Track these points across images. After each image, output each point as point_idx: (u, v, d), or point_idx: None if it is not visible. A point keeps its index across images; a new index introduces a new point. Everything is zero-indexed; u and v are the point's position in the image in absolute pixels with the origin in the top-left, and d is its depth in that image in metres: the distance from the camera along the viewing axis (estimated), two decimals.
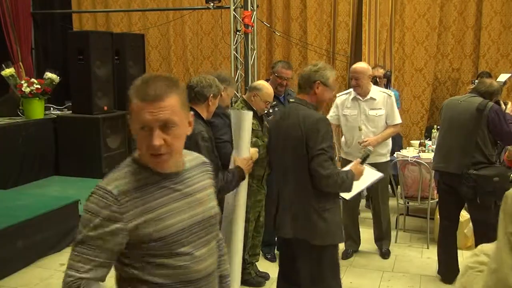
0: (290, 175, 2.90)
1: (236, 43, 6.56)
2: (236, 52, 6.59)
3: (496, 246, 1.21)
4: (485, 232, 3.71)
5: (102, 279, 1.50)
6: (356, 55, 6.96)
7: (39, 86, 6.11)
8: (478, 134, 3.73)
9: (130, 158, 1.56)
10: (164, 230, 1.49)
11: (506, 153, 4.66)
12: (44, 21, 8.08)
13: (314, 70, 2.91)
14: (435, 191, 4.91)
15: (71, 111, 6.59)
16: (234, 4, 6.49)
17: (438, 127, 4.75)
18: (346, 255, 4.55)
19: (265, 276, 4.11)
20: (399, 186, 5.03)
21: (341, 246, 4.24)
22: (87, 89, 6.18)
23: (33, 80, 6.16)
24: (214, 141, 3.13)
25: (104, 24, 8.27)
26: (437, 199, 4.32)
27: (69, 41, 6.47)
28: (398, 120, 4.43)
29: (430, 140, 5.62)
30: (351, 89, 4.43)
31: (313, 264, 2.91)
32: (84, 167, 6.19)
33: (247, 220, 3.82)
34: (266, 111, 4.01)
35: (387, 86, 5.67)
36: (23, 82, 6.10)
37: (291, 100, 4.56)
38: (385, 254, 4.60)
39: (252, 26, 6.43)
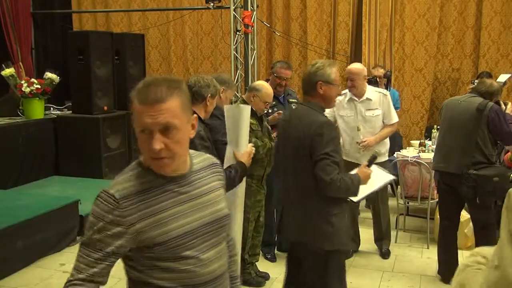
0: (294, 178, 2.88)
1: (236, 43, 6.57)
2: (236, 52, 6.59)
3: (499, 243, 1.21)
4: (485, 232, 3.72)
5: (103, 281, 1.49)
6: (356, 55, 6.96)
7: (39, 86, 6.11)
8: (478, 134, 3.73)
9: (136, 161, 1.55)
10: (167, 233, 1.47)
11: (508, 153, 4.67)
12: (44, 21, 8.08)
13: (313, 71, 2.85)
14: (435, 191, 4.91)
15: (71, 111, 6.59)
16: (234, 4, 6.49)
17: (438, 127, 4.75)
18: (346, 255, 4.56)
19: (265, 276, 4.11)
20: (399, 186, 5.03)
21: None
22: (87, 89, 6.18)
23: (33, 80, 6.17)
24: (215, 143, 3.13)
25: (104, 24, 8.27)
26: (437, 199, 4.33)
27: (69, 41, 6.48)
28: (395, 119, 4.44)
29: (430, 140, 5.62)
30: (346, 90, 4.42)
31: (318, 269, 2.86)
32: (84, 167, 6.19)
33: (247, 220, 3.83)
34: (265, 111, 4.01)
35: (387, 86, 5.67)
36: (23, 82, 6.11)
37: (291, 100, 4.60)
38: (385, 254, 4.60)
39: (252, 26, 6.44)
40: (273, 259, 4.48)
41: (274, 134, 4.12)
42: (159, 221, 1.47)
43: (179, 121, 1.45)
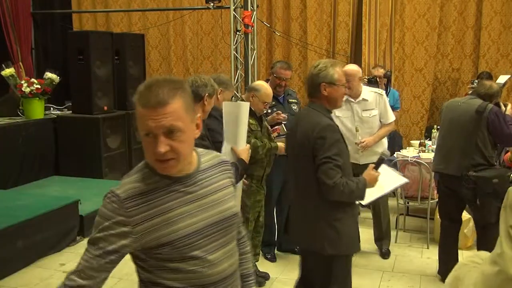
0: (297, 181, 2.86)
1: (236, 43, 6.57)
2: (236, 52, 6.60)
3: (498, 240, 1.22)
4: (486, 231, 3.72)
5: (99, 277, 1.48)
6: (356, 55, 6.96)
7: (39, 86, 6.11)
8: (478, 136, 3.73)
9: (143, 162, 1.55)
10: (173, 234, 1.47)
11: (508, 153, 4.67)
12: (44, 21, 8.08)
13: (315, 72, 2.79)
14: (435, 191, 4.91)
15: (71, 111, 6.59)
16: (234, 4, 6.49)
17: (438, 127, 4.75)
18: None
19: (265, 276, 4.11)
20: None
21: None
22: (87, 89, 6.18)
23: (33, 80, 6.17)
24: (214, 145, 3.13)
25: (104, 24, 8.27)
26: (437, 199, 4.33)
27: (69, 41, 6.48)
28: (391, 118, 4.43)
29: (430, 140, 5.62)
30: None
31: (322, 272, 2.83)
32: (84, 167, 6.19)
33: (246, 220, 3.83)
34: (265, 112, 4.01)
35: (387, 86, 5.67)
36: (23, 82, 6.11)
37: (291, 100, 4.61)
38: (385, 254, 4.60)
39: (252, 26, 6.44)
40: (273, 259, 4.48)
41: (274, 135, 4.12)
42: (165, 221, 1.47)
43: (182, 123, 1.44)
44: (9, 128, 5.91)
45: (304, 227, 2.83)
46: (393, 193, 5.29)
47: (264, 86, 3.89)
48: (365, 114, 4.33)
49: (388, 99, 5.54)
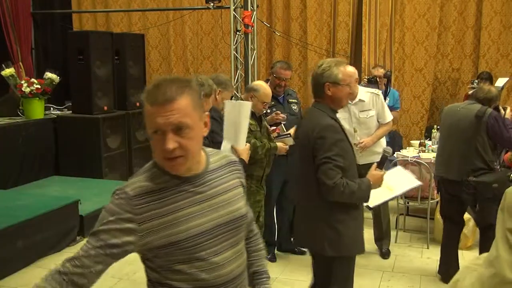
0: (300, 182, 2.85)
1: (236, 43, 6.57)
2: (236, 52, 6.60)
3: (494, 242, 1.22)
4: (488, 232, 3.73)
5: (93, 267, 1.44)
6: (356, 55, 6.97)
7: (39, 86, 6.11)
8: (478, 140, 3.75)
9: (151, 162, 1.55)
10: (180, 234, 1.47)
11: (508, 153, 4.67)
12: (44, 21, 8.08)
13: (319, 72, 2.75)
14: (435, 191, 4.92)
15: (71, 111, 6.59)
16: (234, 4, 6.50)
17: (438, 127, 4.76)
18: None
19: None
20: None
21: None
22: (87, 89, 6.18)
23: (33, 80, 6.17)
24: (215, 145, 3.14)
25: (104, 24, 8.27)
26: (437, 200, 4.33)
27: (69, 41, 6.48)
28: (389, 117, 4.42)
29: (430, 140, 5.62)
30: None
31: (323, 274, 2.82)
32: (84, 167, 6.19)
33: None
34: (264, 112, 4.01)
35: (387, 86, 5.67)
36: (23, 82, 6.11)
37: (291, 100, 4.60)
38: (385, 254, 4.61)
39: (252, 26, 6.44)
40: (273, 259, 4.48)
41: (273, 135, 4.12)
42: (172, 221, 1.47)
43: (191, 120, 1.44)
44: (9, 128, 5.91)
45: (306, 227, 2.83)
46: None
47: (263, 86, 3.89)
48: (362, 115, 4.32)
49: (388, 99, 5.57)
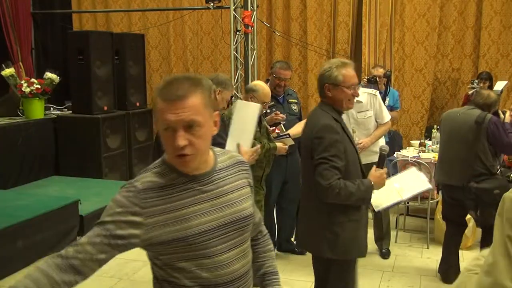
0: (302, 183, 2.85)
1: (236, 43, 6.57)
2: (236, 52, 6.60)
3: (491, 249, 1.20)
4: (490, 230, 3.75)
5: (94, 253, 1.44)
6: (356, 55, 6.96)
7: (39, 86, 6.11)
8: (478, 146, 3.76)
9: (160, 159, 1.58)
10: (185, 231, 1.48)
11: None
12: (44, 21, 8.08)
13: (321, 73, 2.75)
14: (435, 191, 4.92)
15: (71, 111, 6.59)
16: (234, 4, 6.49)
17: (438, 127, 4.76)
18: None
19: None
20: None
21: None
22: (87, 89, 6.18)
23: (33, 80, 6.17)
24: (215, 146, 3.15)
25: (104, 24, 8.27)
26: (437, 199, 4.34)
27: (69, 41, 6.48)
28: (387, 117, 4.41)
29: (430, 140, 5.62)
30: None
31: (322, 276, 2.80)
32: (84, 167, 6.19)
33: None
34: (264, 112, 4.00)
35: (387, 86, 5.67)
36: (23, 82, 6.11)
37: (291, 100, 4.60)
38: (385, 254, 4.61)
39: (252, 26, 6.44)
40: None
41: (273, 135, 4.12)
42: (178, 217, 1.48)
43: (202, 118, 1.46)
44: (9, 128, 5.91)
45: (306, 228, 2.82)
46: None
47: (262, 86, 3.88)
48: (360, 116, 4.31)
49: (388, 99, 5.57)
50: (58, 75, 6.33)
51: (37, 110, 6.29)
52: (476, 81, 5.91)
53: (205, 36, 7.83)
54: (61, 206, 4.78)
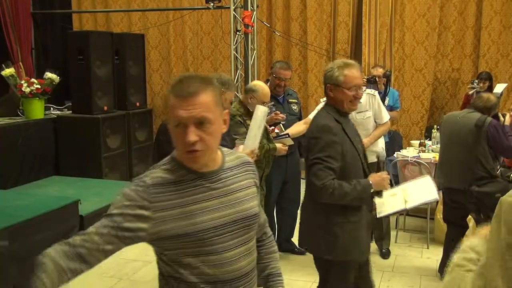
0: (306, 183, 2.86)
1: (236, 43, 6.57)
2: (236, 52, 6.60)
3: (487, 253, 1.19)
4: None
5: (100, 247, 1.47)
6: (356, 55, 6.97)
7: (39, 86, 6.11)
8: (478, 150, 3.76)
9: (170, 156, 1.60)
10: (194, 226, 1.51)
11: None
12: (44, 21, 8.08)
13: (324, 73, 2.75)
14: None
15: (71, 111, 6.59)
16: (234, 4, 6.50)
17: (438, 127, 4.76)
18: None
19: None
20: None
21: None
22: (87, 89, 6.18)
23: (33, 80, 6.16)
24: None
25: (104, 24, 8.27)
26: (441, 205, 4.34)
27: (69, 41, 6.47)
28: (386, 118, 4.40)
29: (430, 140, 5.62)
30: None
31: (321, 276, 2.80)
32: (84, 167, 6.19)
33: None
34: None
35: (386, 85, 5.67)
36: (23, 82, 6.10)
37: (291, 100, 4.60)
38: (385, 254, 4.61)
39: (252, 26, 6.44)
40: None
41: (272, 134, 4.12)
42: (186, 213, 1.51)
43: (212, 115, 1.49)
44: (9, 128, 5.90)
45: (306, 228, 2.82)
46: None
47: (261, 86, 3.88)
48: (359, 116, 4.31)
49: (388, 98, 5.57)
50: (58, 75, 6.32)
51: (37, 110, 6.29)
52: (476, 81, 5.91)
53: (205, 36, 7.83)
54: (61, 206, 4.77)
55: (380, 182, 2.64)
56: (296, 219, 4.65)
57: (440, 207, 4.62)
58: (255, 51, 6.62)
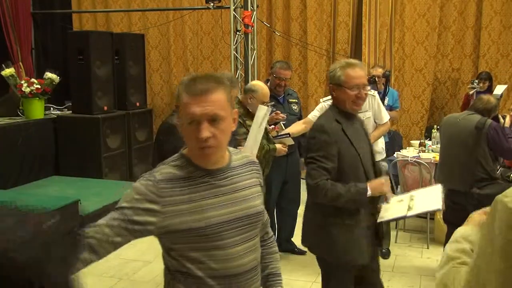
0: None
1: (236, 43, 6.57)
2: (236, 52, 6.60)
3: (479, 251, 1.19)
4: None
5: (110, 239, 1.50)
6: (356, 55, 6.96)
7: (39, 86, 6.11)
8: (478, 151, 3.77)
9: (178, 153, 1.65)
10: (200, 221, 1.55)
11: None
12: (44, 21, 8.08)
13: (328, 73, 2.73)
14: None
15: (71, 111, 6.59)
16: (234, 4, 6.50)
17: (438, 127, 4.76)
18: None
19: None
20: (399, 186, 5.03)
21: None
22: (87, 89, 6.18)
23: (33, 80, 6.17)
24: None
25: (104, 24, 8.27)
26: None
27: (69, 41, 6.48)
28: (386, 118, 4.39)
29: (430, 140, 5.62)
30: None
31: (321, 277, 2.79)
32: (84, 167, 6.19)
33: None
34: None
35: (386, 85, 5.67)
36: (23, 82, 6.11)
37: (291, 100, 4.60)
38: (385, 254, 4.60)
39: (252, 26, 6.44)
40: None
41: (272, 133, 4.12)
42: (194, 208, 1.55)
43: (225, 113, 1.55)
44: (9, 128, 5.91)
45: (306, 227, 2.83)
46: (393, 193, 5.29)
47: (260, 86, 3.88)
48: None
49: (387, 98, 5.57)
50: (58, 75, 6.33)
51: (37, 110, 6.29)
52: (476, 81, 5.91)
53: (205, 36, 7.83)
54: (61, 206, 4.78)
55: (378, 187, 2.58)
56: (296, 219, 4.65)
57: None
58: (255, 51, 6.62)
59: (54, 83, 6.30)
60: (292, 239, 4.68)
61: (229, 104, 1.57)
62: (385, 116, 4.40)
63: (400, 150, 5.51)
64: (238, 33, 6.48)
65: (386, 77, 5.71)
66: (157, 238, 1.62)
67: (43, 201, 4.91)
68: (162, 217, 1.53)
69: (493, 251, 1.11)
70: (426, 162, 4.83)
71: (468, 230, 1.36)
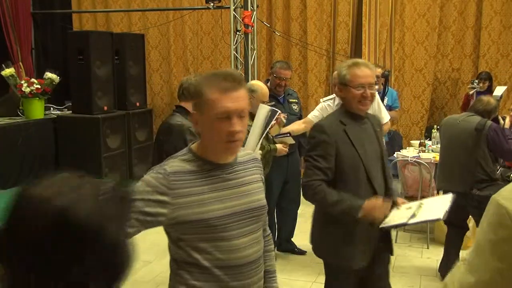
0: None
1: (236, 43, 6.57)
2: (236, 52, 6.60)
3: (475, 248, 1.19)
4: None
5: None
6: (356, 55, 6.96)
7: (39, 86, 6.11)
8: (478, 153, 3.77)
9: (186, 148, 1.72)
10: (208, 213, 1.61)
11: None
12: (44, 21, 8.08)
13: (333, 74, 2.79)
14: (435, 191, 4.92)
15: (71, 111, 6.59)
16: (234, 4, 6.49)
17: (438, 127, 4.76)
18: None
19: None
20: (399, 186, 5.02)
21: None
22: (87, 89, 6.18)
23: (33, 80, 6.17)
24: None
25: (104, 24, 8.27)
26: None
27: (69, 41, 6.48)
28: (386, 118, 4.37)
29: (430, 140, 5.62)
30: (334, 95, 4.35)
31: (325, 278, 2.79)
32: (84, 167, 6.11)
33: None
34: None
35: (385, 85, 5.66)
36: (23, 82, 6.11)
37: (291, 100, 4.60)
38: None
39: (252, 26, 6.44)
40: None
41: (272, 133, 4.12)
42: (203, 200, 1.62)
43: (247, 109, 1.65)
44: (9, 128, 5.91)
45: (312, 228, 2.82)
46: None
47: (260, 86, 3.87)
48: None
49: (387, 98, 5.57)
50: (58, 75, 6.33)
51: (37, 110, 6.29)
52: (476, 81, 5.91)
53: (205, 36, 7.83)
54: None
55: (371, 211, 2.39)
56: (296, 219, 4.65)
57: None
58: (255, 51, 6.62)
59: (54, 83, 6.30)
60: (292, 239, 4.68)
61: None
62: (386, 116, 4.40)
63: (400, 150, 5.52)
64: (238, 33, 6.48)
65: (385, 77, 5.70)
66: (165, 230, 1.68)
67: None
68: (172, 208, 1.59)
69: (486, 249, 1.12)
70: (426, 162, 4.83)
71: None
